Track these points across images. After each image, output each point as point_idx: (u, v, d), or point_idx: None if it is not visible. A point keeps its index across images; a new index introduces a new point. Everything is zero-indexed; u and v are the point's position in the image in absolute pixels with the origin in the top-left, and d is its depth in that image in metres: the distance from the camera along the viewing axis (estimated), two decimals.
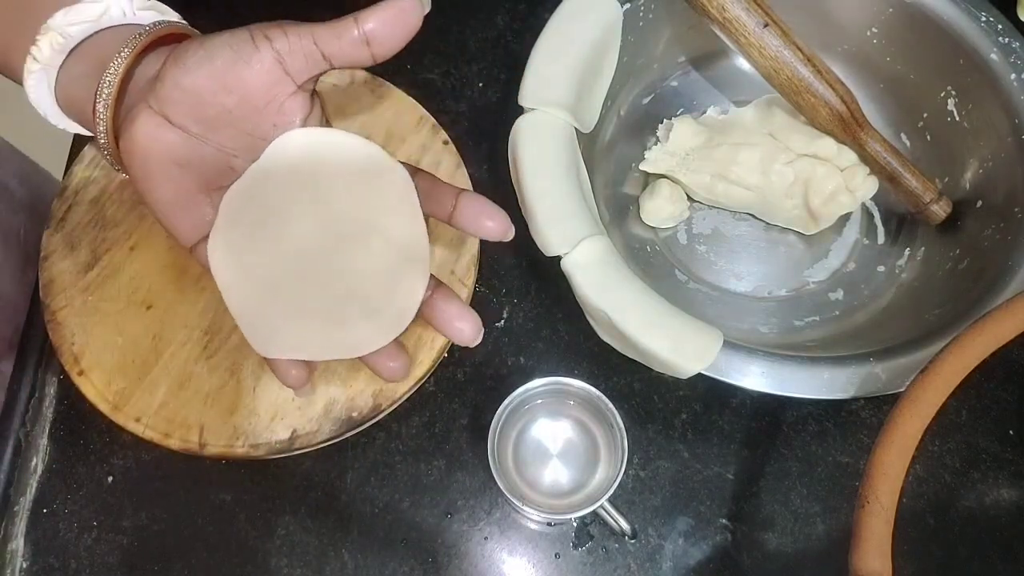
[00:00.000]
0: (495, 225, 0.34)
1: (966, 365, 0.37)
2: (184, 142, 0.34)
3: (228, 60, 0.33)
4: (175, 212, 0.35)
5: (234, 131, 0.35)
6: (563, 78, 0.50)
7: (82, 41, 0.35)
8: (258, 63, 0.33)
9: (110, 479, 0.49)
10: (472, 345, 0.34)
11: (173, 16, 0.37)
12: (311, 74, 0.34)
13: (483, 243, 0.54)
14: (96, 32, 0.35)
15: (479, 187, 0.55)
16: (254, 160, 0.35)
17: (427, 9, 0.33)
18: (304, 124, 0.35)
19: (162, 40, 0.35)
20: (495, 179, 0.57)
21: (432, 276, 0.34)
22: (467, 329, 0.34)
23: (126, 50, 0.34)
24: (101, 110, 0.34)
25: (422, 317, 0.35)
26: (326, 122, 0.37)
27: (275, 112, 0.34)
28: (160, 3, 0.37)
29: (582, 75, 0.50)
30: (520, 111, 0.49)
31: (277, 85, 0.34)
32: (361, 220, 0.34)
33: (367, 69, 0.56)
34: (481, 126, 0.59)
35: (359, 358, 0.35)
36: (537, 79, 0.49)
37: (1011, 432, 0.51)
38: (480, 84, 0.60)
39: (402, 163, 0.34)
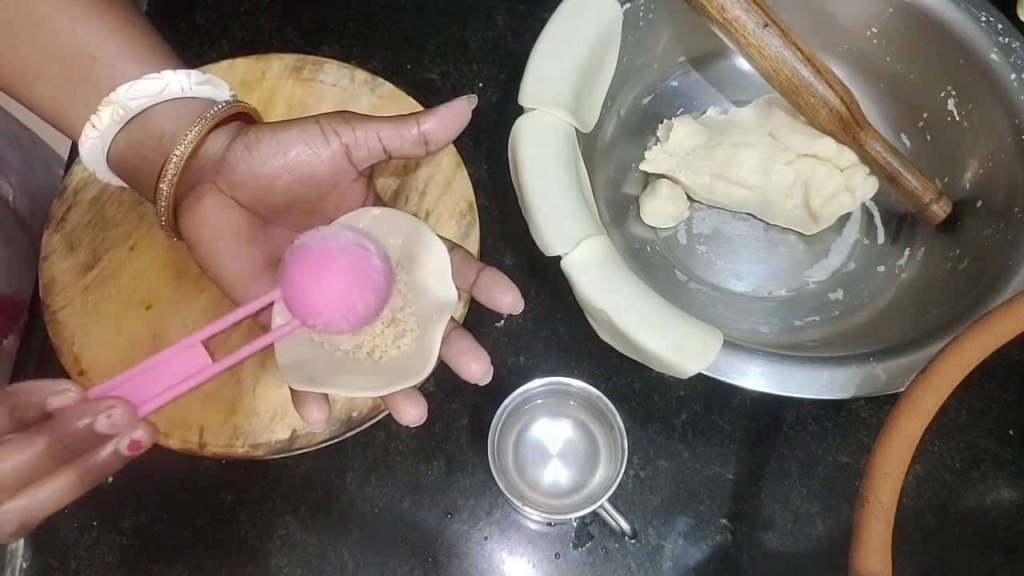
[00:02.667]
0: (510, 300, 0.37)
1: (966, 365, 0.37)
2: (252, 222, 0.37)
3: (301, 153, 0.35)
4: (243, 287, 0.37)
5: (299, 212, 0.38)
6: (563, 78, 0.49)
7: (139, 112, 0.37)
8: (328, 156, 0.36)
9: (110, 479, 0.49)
10: (482, 383, 0.36)
11: (226, 91, 0.39)
12: (372, 163, 0.37)
13: (483, 242, 0.54)
14: (153, 105, 0.37)
15: (479, 187, 0.55)
16: None
17: (474, 104, 0.37)
18: (363, 204, 0.39)
19: (223, 118, 0.38)
20: (495, 179, 0.57)
21: (452, 319, 0.37)
22: (476, 367, 0.36)
23: (191, 134, 0.36)
24: (165, 188, 0.36)
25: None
26: (378, 198, 0.40)
27: (339, 196, 0.38)
28: (215, 77, 0.39)
29: (582, 75, 0.50)
30: (520, 111, 0.49)
31: (342, 174, 0.37)
32: (404, 286, 0.38)
33: (367, 68, 0.56)
34: (481, 126, 0.58)
35: (382, 399, 0.36)
36: (537, 79, 0.49)
37: (1011, 432, 0.51)
38: (480, 84, 0.60)
39: (441, 237, 0.38)
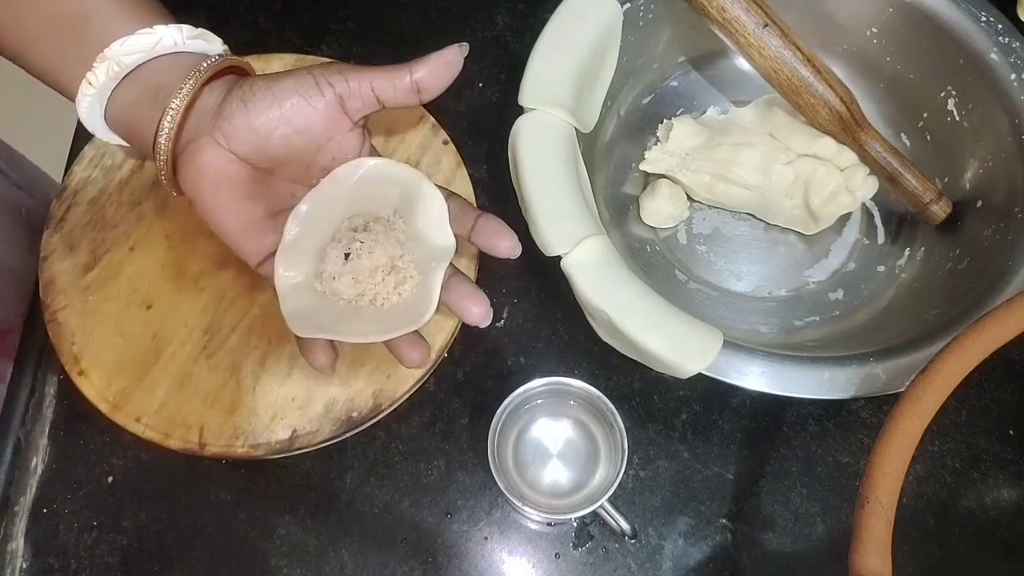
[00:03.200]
0: (508, 244, 0.38)
1: (966, 365, 0.37)
2: (252, 175, 0.37)
3: (296, 104, 0.36)
4: (245, 239, 0.38)
5: (297, 164, 0.38)
6: (563, 78, 0.49)
7: (134, 68, 0.37)
8: (323, 106, 0.36)
9: (110, 479, 0.49)
10: (482, 325, 0.37)
11: (219, 45, 0.40)
12: (366, 113, 0.38)
13: None
14: (147, 60, 0.37)
15: (479, 187, 0.55)
16: (312, 186, 0.39)
17: (466, 52, 0.37)
18: (359, 155, 0.39)
19: (217, 72, 0.38)
20: (495, 179, 0.57)
21: (450, 264, 0.38)
22: (476, 310, 0.37)
23: (186, 87, 0.36)
24: (163, 142, 0.36)
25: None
26: (373, 149, 0.41)
27: (334, 147, 0.38)
28: (208, 32, 0.39)
29: (582, 75, 0.50)
30: (520, 111, 0.49)
31: (337, 124, 0.37)
32: (403, 234, 0.39)
33: None
34: (481, 126, 0.59)
35: (386, 344, 0.38)
36: (537, 79, 0.49)
37: (1011, 432, 0.51)
38: (480, 84, 0.60)
39: (438, 187, 0.39)
